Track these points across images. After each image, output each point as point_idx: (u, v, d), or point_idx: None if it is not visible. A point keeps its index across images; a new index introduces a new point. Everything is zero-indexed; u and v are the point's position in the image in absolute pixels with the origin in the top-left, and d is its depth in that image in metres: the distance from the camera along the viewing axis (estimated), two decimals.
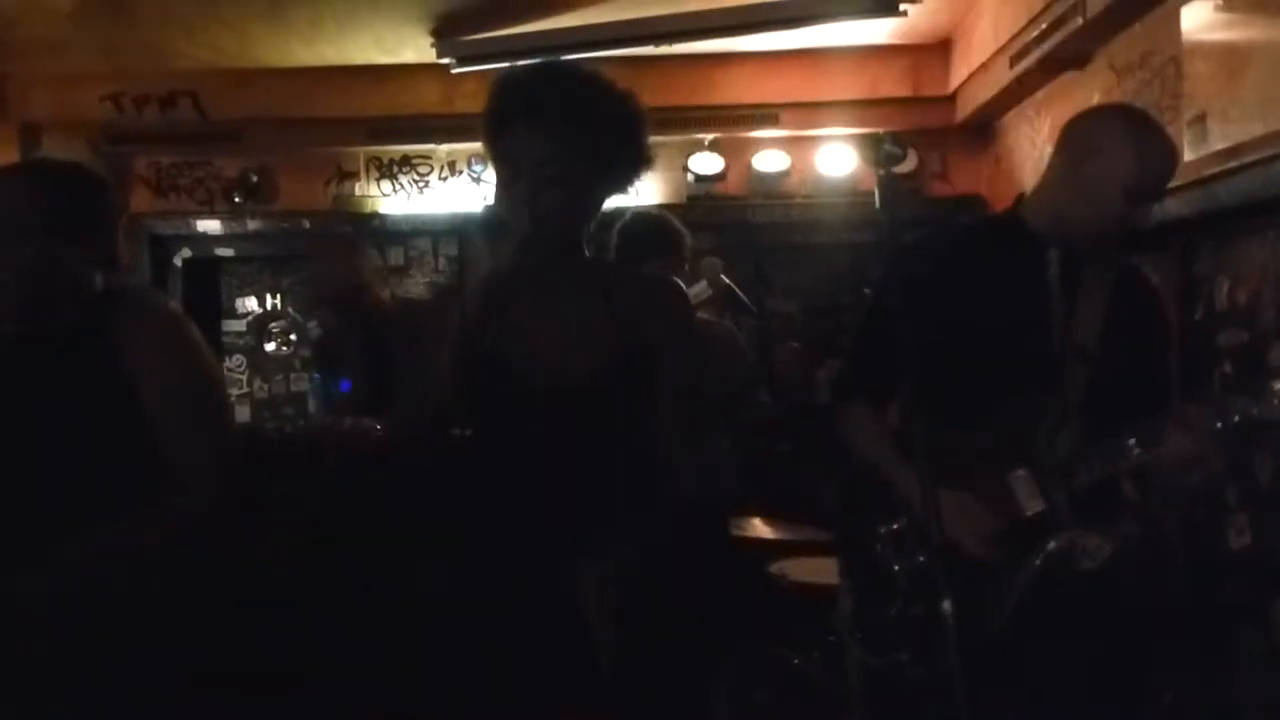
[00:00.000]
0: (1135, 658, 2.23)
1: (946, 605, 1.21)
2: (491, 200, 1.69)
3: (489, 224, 1.62)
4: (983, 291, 1.85)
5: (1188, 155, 2.90)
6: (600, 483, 1.70)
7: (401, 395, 2.54)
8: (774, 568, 3.21)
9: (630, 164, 1.71)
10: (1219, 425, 1.63)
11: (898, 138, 1.53)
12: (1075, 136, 1.89)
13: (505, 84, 1.66)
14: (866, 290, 2.14)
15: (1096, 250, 1.89)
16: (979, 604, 1.73)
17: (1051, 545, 1.76)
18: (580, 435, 1.69)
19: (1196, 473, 1.67)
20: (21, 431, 1.76)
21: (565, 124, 1.60)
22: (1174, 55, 3.04)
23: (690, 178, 5.19)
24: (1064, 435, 1.81)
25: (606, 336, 1.70)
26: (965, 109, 4.69)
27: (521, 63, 1.74)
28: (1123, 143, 1.81)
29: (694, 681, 2.23)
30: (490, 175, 1.74)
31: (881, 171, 1.38)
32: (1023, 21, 3.76)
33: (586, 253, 1.78)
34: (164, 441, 1.76)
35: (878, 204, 1.39)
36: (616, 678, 1.69)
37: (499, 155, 1.66)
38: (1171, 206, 2.94)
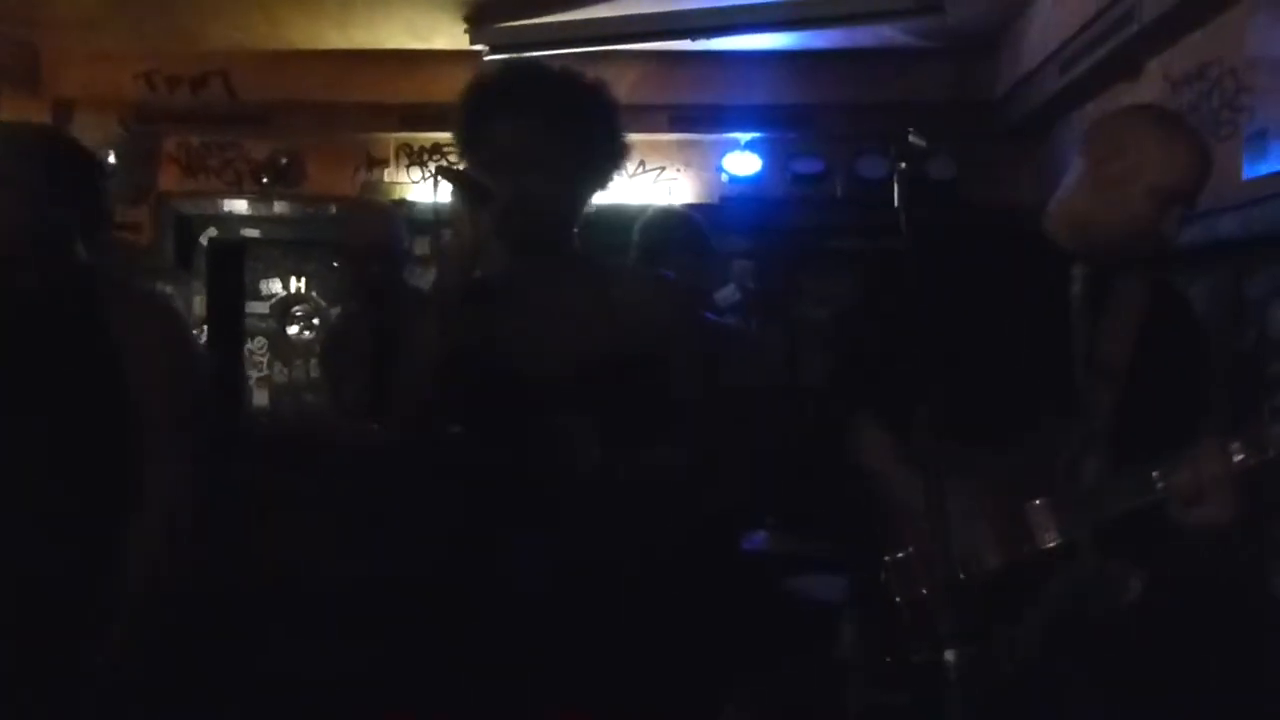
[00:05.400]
0: (1169, 707, 2.10)
1: (949, 655, 1.09)
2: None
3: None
4: (1000, 307, 1.73)
5: (1245, 173, 2.75)
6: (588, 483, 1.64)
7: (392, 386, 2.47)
8: (790, 584, 3.10)
9: (608, 154, 1.73)
10: (1229, 463, 1.49)
11: (934, 137, 1.41)
12: (1099, 135, 1.76)
13: (479, 81, 1.70)
14: (875, 294, 2.01)
15: (1126, 266, 1.75)
16: (988, 644, 1.61)
17: (1066, 581, 1.63)
18: (558, 431, 1.63)
19: (1197, 513, 1.53)
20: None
21: (541, 115, 1.63)
22: (1234, 67, 2.89)
23: (725, 177, 5.09)
24: (1090, 463, 1.68)
25: (600, 334, 1.65)
26: (1011, 116, 4.54)
27: (494, 59, 1.81)
28: (1148, 139, 1.67)
29: (699, 702, 2.14)
30: None
31: (903, 165, 1.27)
32: (1075, 26, 3.61)
33: (577, 249, 1.76)
34: (146, 413, 1.76)
35: (896, 202, 1.28)
36: (618, 696, 1.63)
37: (477, 148, 1.66)
38: (1225, 226, 2.79)
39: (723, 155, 5.04)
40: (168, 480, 1.73)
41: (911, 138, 1.29)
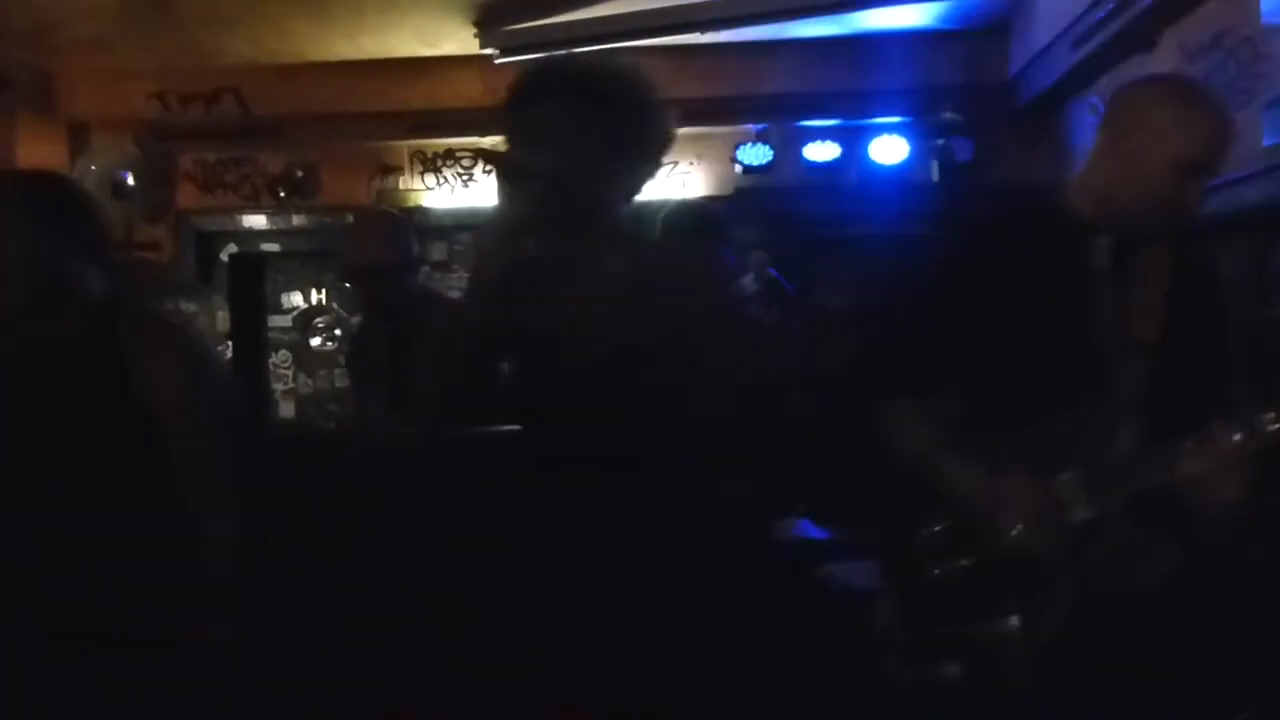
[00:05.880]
0: (1204, 680, 2.08)
1: (983, 629, 1.09)
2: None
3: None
4: (1027, 284, 1.72)
5: (1265, 140, 2.73)
6: (627, 471, 1.63)
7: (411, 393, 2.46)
8: (822, 572, 3.09)
9: (645, 131, 1.69)
10: (1241, 443, 1.48)
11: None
12: (1119, 107, 1.74)
13: (520, 75, 1.70)
14: (909, 278, 2.00)
15: (1150, 238, 1.74)
16: (1022, 618, 1.61)
17: (1098, 554, 1.62)
18: (608, 417, 1.62)
19: (1208, 494, 1.52)
20: (27, 456, 1.71)
21: (574, 94, 1.63)
22: (1249, 35, 2.87)
23: (738, 169, 5.08)
24: (1122, 435, 1.67)
25: (638, 313, 1.64)
26: (1025, 95, 4.51)
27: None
28: (1168, 111, 1.64)
29: (729, 696, 2.14)
30: None
31: (940, 142, 1.25)
32: (1087, 2, 3.58)
33: (620, 229, 1.73)
34: (184, 469, 1.73)
35: (934, 176, 1.26)
36: (645, 691, 1.62)
37: (518, 134, 1.66)
38: (1249, 195, 2.76)
39: (735, 147, 5.04)
40: (211, 507, 1.73)
41: (947, 114, 1.28)
